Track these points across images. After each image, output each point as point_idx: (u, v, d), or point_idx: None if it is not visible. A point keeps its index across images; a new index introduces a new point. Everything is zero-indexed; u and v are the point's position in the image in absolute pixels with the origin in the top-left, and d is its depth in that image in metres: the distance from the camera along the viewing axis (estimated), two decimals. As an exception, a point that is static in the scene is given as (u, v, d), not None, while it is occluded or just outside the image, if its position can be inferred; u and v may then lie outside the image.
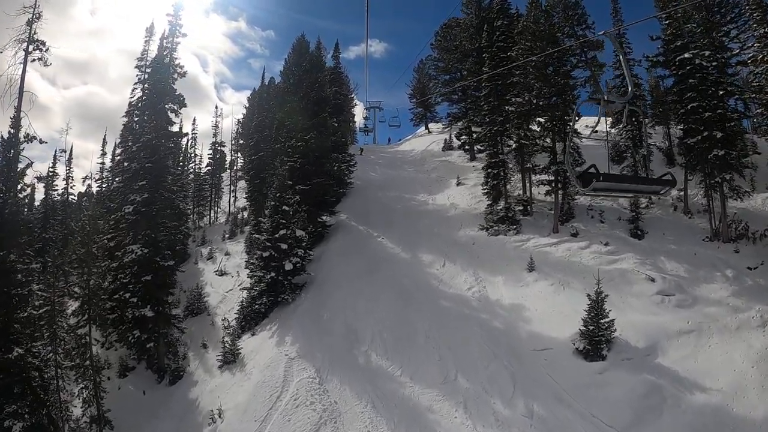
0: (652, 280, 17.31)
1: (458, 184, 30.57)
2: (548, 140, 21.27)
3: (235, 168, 51.92)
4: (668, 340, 14.58)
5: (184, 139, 52.42)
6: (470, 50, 29.77)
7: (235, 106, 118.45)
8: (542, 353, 14.54)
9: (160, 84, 19.29)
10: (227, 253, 31.36)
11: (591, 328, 13.93)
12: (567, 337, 14.72)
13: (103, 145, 56.85)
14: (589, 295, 14.29)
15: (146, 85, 20.13)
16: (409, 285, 19.13)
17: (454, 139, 39.28)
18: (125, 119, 20.71)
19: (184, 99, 19.49)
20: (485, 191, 23.83)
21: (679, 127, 28.14)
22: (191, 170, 51.20)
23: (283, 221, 18.74)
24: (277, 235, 18.48)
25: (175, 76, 19.59)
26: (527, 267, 18.88)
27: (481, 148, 27.58)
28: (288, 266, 18.27)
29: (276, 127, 26.95)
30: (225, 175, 52.30)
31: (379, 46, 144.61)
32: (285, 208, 18.89)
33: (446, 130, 45.40)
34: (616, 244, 20.31)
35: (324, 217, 25.40)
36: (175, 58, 19.82)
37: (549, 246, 20.53)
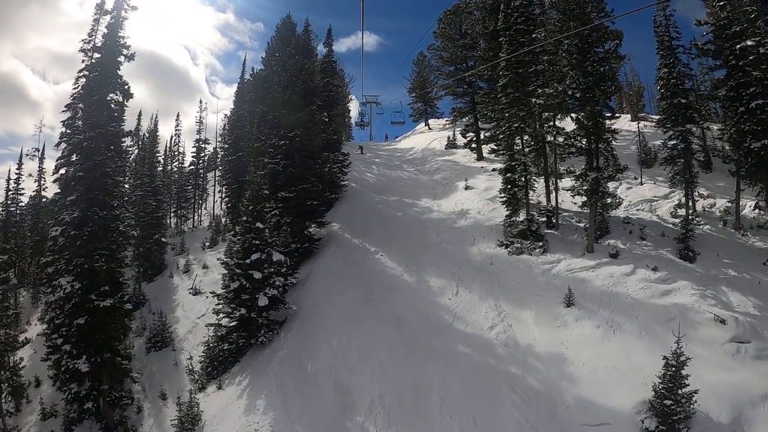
0: (722, 321, 13.71)
1: (466, 187, 26.83)
2: (584, 141, 17.46)
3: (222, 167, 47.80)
4: (753, 407, 11.12)
5: (169, 137, 48.45)
6: (483, 35, 25.76)
7: (226, 101, 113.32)
8: (598, 431, 10.89)
9: (102, 70, 15.17)
10: (205, 266, 27.54)
11: (668, 402, 10.27)
12: (630, 408, 11.08)
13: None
14: (666, 359, 10.62)
15: (88, 72, 15.84)
16: (416, 322, 15.37)
17: (459, 137, 35.59)
18: (67, 114, 16.34)
19: (129, 88, 15.30)
20: (503, 199, 20.08)
21: (716, 127, 24.64)
22: (175, 169, 47.14)
23: (257, 242, 14.84)
24: (249, 261, 14.59)
25: (121, 59, 15.42)
26: (564, 300, 15.19)
27: (495, 147, 23.74)
28: (262, 301, 14.40)
29: (257, 123, 22.99)
30: (211, 175, 48.21)
31: (371, 38, 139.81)
32: (259, 225, 14.95)
33: (448, 126, 41.80)
34: (665, 268, 16.70)
35: (312, 229, 21.53)
36: (122, 37, 15.61)
37: (586, 270, 16.86)
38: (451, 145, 36.77)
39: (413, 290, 17.35)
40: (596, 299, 15.33)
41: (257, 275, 14.39)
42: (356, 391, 12.54)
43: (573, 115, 17.71)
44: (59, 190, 15.08)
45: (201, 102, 56.07)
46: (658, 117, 33.11)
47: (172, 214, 44.45)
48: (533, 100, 18.34)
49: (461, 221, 22.77)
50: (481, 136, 31.70)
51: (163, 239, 32.84)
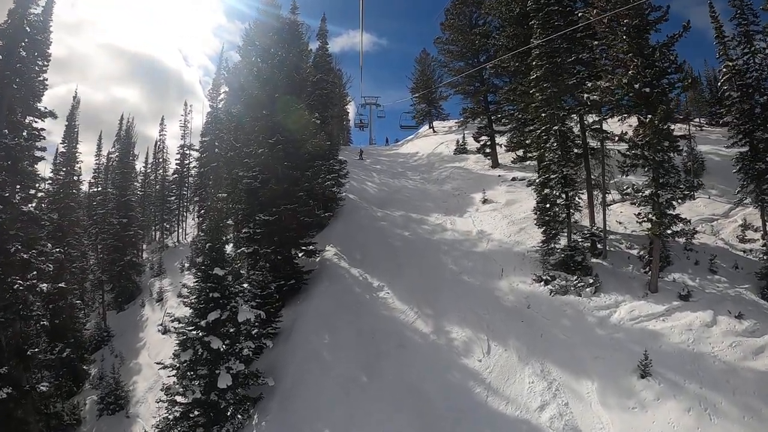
0: None
1: (484, 201, 22.79)
2: (649, 150, 13.40)
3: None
4: None
5: (153, 143, 43.75)
6: (507, 19, 21.60)
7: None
8: None
9: (9, 58, 11.03)
10: (180, 295, 23.51)
11: None
12: None
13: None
14: None
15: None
16: (437, 397, 11.37)
17: (469, 140, 31.63)
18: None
19: (45, 81, 11.21)
20: (540, 221, 16.13)
21: None
22: (159, 178, 42.95)
23: (217, 295, 10.82)
24: (203, 323, 10.58)
25: (27, 41, 11.13)
26: (637, 368, 11.20)
27: (521, 155, 19.74)
28: (224, 381, 10.29)
29: (234, 127, 18.98)
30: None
31: (364, 37, 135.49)
32: (218, 271, 10.90)
33: (456, 129, 37.88)
34: (751, 314, 12.78)
35: (300, 258, 17.50)
36: (32, 13, 11.19)
37: (655, 319, 12.87)
38: (461, 149, 32.83)
39: (430, 346, 13.34)
40: (677, 364, 11.38)
41: (215, 345, 10.37)
42: None
43: (639, 116, 13.66)
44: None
45: (186, 104, 49.52)
46: (691, 119, 29.39)
47: (156, 227, 40.54)
48: (585, 95, 14.29)
49: (482, 244, 18.76)
50: (496, 140, 27.89)
51: (135, 260, 28.90)
